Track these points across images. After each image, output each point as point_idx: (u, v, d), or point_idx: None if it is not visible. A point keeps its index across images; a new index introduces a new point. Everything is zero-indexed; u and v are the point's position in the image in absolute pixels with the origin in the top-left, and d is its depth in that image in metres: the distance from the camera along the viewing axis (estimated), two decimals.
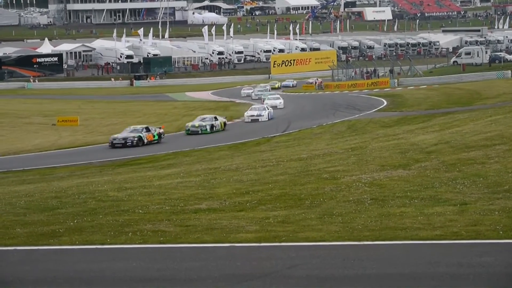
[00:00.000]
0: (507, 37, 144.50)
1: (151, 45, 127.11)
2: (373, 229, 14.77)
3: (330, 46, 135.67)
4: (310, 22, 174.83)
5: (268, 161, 27.60)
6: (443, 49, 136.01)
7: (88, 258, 13.94)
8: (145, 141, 45.10)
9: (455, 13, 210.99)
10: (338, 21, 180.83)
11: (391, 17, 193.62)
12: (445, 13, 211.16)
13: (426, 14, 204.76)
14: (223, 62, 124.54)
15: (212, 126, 50.22)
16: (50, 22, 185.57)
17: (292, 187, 20.25)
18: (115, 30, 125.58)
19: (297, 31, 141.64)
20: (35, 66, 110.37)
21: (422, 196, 17.73)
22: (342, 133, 42.16)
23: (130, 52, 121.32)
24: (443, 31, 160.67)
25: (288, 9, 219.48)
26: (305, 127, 48.54)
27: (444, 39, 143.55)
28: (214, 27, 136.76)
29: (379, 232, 14.53)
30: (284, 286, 11.73)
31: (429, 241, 13.77)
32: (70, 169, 34.34)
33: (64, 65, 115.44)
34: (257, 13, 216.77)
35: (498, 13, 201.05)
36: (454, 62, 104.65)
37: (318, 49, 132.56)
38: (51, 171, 33.62)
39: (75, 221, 17.02)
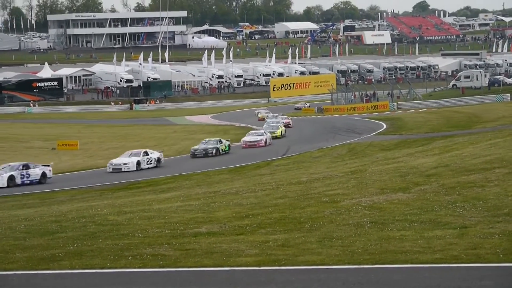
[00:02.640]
0: (506, 60, 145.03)
1: (151, 69, 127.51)
2: (373, 253, 14.75)
3: (330, 70, 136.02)
4: (309, 46, 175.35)
5: (268, 185, 27.60)
6: (442, 73, 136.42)
7: (88, 283, 13.92)
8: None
9: (454, 36, 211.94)
10: (337, 45, 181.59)
11: (390, 41, 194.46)
12: (444, 36, 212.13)
13: (425, 38, 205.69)
14: (222, 86, 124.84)
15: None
16: (50, 46, 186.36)
17: (292, 211, 20.23)
18: (114, 55, 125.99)
19: (296, 54, 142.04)
20: (35, 90, 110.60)
21: (422, 219, 17.71)
22: (342, 157, 42.20)
23: (130, 76, 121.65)
24: (442, 54, 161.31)
25: (287, 33, 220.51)
26: (305, 150, 48.60)
27: (443, 63, 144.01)
28: (213, 51, 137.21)
29: (379, 255, 14.52)
30: None
31: (429, 264, 13.75)
32: (70, 193, 34.36)
33: (64, 89, 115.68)
34: (256, 37, 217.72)
35: (497, 36, 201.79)
36: (453, 85, 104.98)
37: (317, 73, 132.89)
38: (51, 195, 33.63)
39: (75, 245, 16.99)
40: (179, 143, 56.07)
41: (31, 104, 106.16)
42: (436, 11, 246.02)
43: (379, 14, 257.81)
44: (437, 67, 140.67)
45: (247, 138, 56.86)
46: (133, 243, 16.96)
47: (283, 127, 63.79)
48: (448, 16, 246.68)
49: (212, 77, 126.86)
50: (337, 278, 13.37)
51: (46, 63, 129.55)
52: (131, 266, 14.78)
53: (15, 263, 15.34)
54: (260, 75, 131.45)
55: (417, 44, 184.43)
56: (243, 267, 14.29)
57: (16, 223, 20.95)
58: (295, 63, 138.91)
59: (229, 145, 52.26)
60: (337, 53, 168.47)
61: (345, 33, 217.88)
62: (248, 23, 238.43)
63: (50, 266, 15.05)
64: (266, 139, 56.29)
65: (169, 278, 13.99)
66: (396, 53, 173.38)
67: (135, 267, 14.70)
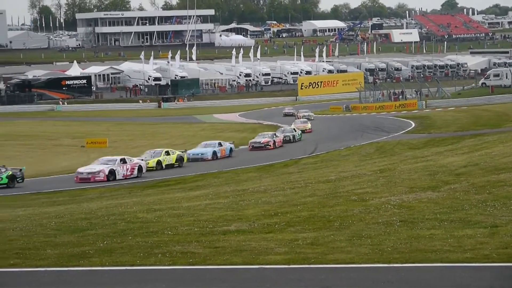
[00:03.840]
0: None
1: (179, 67, 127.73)
2: (403, 251, 14.70)
3: (357, 68, 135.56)
4: (337, 44, 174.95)
5: (296, 183, 27.58)
6: (471, 71, 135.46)
7: (117, 279, 13.98)
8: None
9: (483, 34, 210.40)
10: (365, 43, 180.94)
11: (418, 39, 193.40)
12: (473, 34, 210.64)
13: (453, 36, 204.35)
14: (250, 84, 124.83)
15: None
16: (79, 45, 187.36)
17: (320, 209, 20.21)
18: (143, 53, 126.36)
19: (324, 53, 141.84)
20: (64, 88, 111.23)
21: (452, 218, 17.63)
22: (370, 155, 42.06)
23: (158, 75, 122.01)
24: (471, 53, 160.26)
25: (315, 31, 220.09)
26: (333, 149, 48.49)
27: (472, 61, 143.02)
28: (241, 49, 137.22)
29: (409, 254, 14.46)
30: None
31: (460, 263, 13.68)
32: (100, 190, 34.55)
33: (92, 87, 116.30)
34: (284, 35, 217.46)
35: None
36: (482, 84, 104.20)
37: (345, 71, 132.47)
38: (81, 193, 33.83)
39: (105, 242, 17.08)
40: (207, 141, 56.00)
41: (60, 102, 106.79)
42: (465, 9, 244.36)
43: (407, 12, 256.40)
44: (466, 65, 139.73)
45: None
46: (162, 240, 17.01)
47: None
48: (477, 14, 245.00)
49: (240, 75, 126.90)
50: (366, 276, 13.34)
51: (75, 61, 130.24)
52: (160, 263, 14.83)
53: (46, 260, 15.45)
54: (288, 73, 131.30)
55: (445, 42, 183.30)
56: (272, 265, 14.29)
57: (46, 220, 21.10)
58: (323, 61, 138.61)
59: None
60: (365, 51, 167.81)
61: (373, 31, 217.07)
62: (275, 21, 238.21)
63: (81, 263, 15.13)
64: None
65: (198, 275, 14.02)
66: (424, 52, 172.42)
67: (164, 264, 14.75)
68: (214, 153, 48.68)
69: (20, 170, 39.47)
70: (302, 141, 56.31)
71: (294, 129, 58.34)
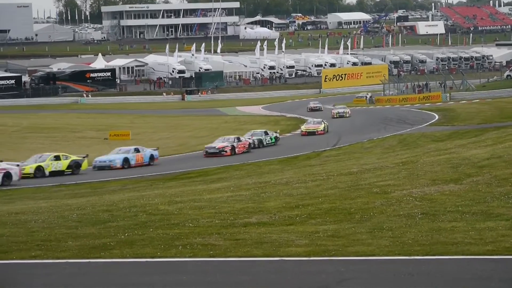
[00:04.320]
0: None
1: (203, 60, 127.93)
2: (424, 244, 14.62)
3: (382, 61, 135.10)
4: (362, 36, 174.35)
5: (318, 175, 27.52)
6: (497, 63, 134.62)
7: (138, 271, 14.00)
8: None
9: (509, 26, 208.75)
10: (390, 36, 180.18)
11: (443, 31, 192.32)
12: (499, 26, 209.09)
13: (479, 28, 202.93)
14: (274, 77, 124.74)
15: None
16: (104, 37, 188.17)
17: (342, 201, 20.15)
18: (167, 45, 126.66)
19: (349, 45, 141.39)
20: (88, 81, 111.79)
21: (474, 211, 17.52)
22: (393, 148, 41.93)
23: (182, 67, 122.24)
24: (497, 45, 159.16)
25: (340, 23, 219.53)
26: (356, 141, 48.39)
27: (498, 53, 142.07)
28: (265, 41, 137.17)
29: (430, 246, 14.39)
30: None
31: (481, 256, 13.59)
32: (122, 182, 34.67)
33: (117, 80, 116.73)
34: (309, 27, 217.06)
35: None
36: (507, 76, 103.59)
37: (369, 64, 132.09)
38: (102, 185, 33.98)
39: (126, 234, 17.11)
40: (230, 134, 56.09)
41: (84, 95, 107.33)
42: (491, 1, 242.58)
43: (432, 4, 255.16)
44: (491, 57, 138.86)
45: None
46: (183, 232, 17.03)
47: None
48: (504, 6, 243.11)
49: (264, 67, 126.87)
50: (387, 269, 13.29)
51: (100, 54, 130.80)
52: (181, 255, 14.84)
53: (68, 252, 15.50)
54: (312, 65, 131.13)
55: (471, 34, 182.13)
56: (293, 257, 14.26)
57: (68, 212, 21.18)
58: (347, 53, 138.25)
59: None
60: (390, 44, 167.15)
61: (398, 23, 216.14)
62: (300, 14, 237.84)
63: (102, 254, 15.17)
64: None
65: (219, 267, 14.02)
66: (449, 44, 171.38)
67: (185, 256, 14.75)
68: (126, 160, 43.39)
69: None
70: (323, 136, 55.73)
71: (266, 131, 53.00)
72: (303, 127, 58.79)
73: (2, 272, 14.31)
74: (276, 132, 53.18)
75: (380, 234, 15.80)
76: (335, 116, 70.11)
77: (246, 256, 14.56)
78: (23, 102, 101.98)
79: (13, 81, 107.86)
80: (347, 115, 71.32)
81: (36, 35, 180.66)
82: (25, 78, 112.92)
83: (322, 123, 58.49)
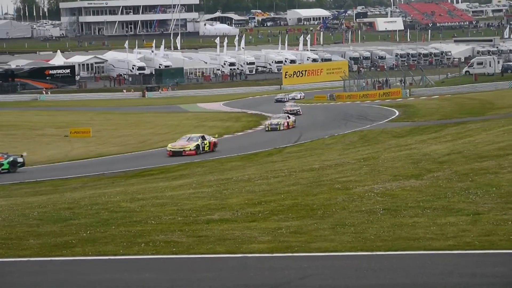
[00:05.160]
0: None
1: (163, 57, 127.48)
2: (386, 239, 14.74)
3: (342, 57, 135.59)
4: (322, 32, 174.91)
5: (280, 172, 27.59)
6: (455, 59, 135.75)
7: (101, 269, 13.98)
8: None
9: (467, 23, 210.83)
10: (350, 32, 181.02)
11: (402, 28, 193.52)
12: (457, 23, 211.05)
13: (438, 24, 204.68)
14: (234, 73, 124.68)
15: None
16: (63, 34, 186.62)
17: (304, 198, 20.23)
18: (127, 42, 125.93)
19: (308, 41, 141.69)
20: (47, 78, 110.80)
21: (435, 206, 17.69)
22: (354, 144, 42.15)
23: (142, 64, 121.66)
24: (455, 41, 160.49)
25: (299, 20, 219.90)
26: (317, 137, 48.54)
27: (456, 49, 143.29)
28: (226, 38, 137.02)
29: (392, 242, 14.51)
30: None
31: (442, 251, 13.73)
32: (83, 180, 34.47)
33: (76, 77, 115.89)
34: (268, 24, 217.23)
35: (511, 22, 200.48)
36: (466, 72, 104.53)
37: (329, 60, 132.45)
38: (64, 182, 33.75)
39: (88, 232, 17.04)
40: (191, 130, 55.98)
41: (44, 92, 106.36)
42: None
43: (391, 0, 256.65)
44: (450, 53, 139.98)
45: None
46: (146, 230, 17.00)
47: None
48: (461, 2, 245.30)
49: (224, 64, 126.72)
50: (350, 264, 13.38)
51: (59, 51, 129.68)
52: (144, 252, 14.82)
53: (29, 250, 15.41)
54: (272, 62, 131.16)
55: (429, 30, 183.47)
56: (256, 253, 14.31)
57: (29, 210, 21.02)
58: (307, 50, 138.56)
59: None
60: (349, 40, 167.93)
61: (357, 20, 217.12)
62: (260, 10, 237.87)
63: (64, 252, 15.10)
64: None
65: (182, 264, 14.03)
66: (408, 40, 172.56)
67: (148, 253, 14.74)
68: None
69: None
70: (285, 132, 55.45)
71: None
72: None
73: None
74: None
75: (342, 230, 15.89)
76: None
77: (209, 253, 14.59)
78: None
79: None
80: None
81: None
82: None
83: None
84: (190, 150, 44.49)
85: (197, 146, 44.78)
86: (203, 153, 44.54)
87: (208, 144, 45.92)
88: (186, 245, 15.27)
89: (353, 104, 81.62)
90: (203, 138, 46.22)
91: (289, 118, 58.83)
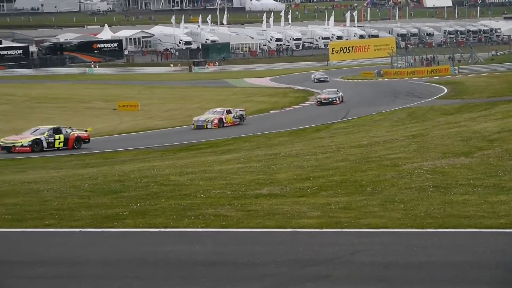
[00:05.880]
0: None
1: (210, 32, 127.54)
2: (436, 217, 14.66)
3: (389, 33, 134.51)
4: (369, 8, 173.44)
5: (328, 148, 27.55)
6: (505, 36, 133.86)
7: (152, 241, 14.09)
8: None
9: None
10: (397, 8, 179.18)
11: (451, 4, 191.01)
12: None
13: (487, 1, 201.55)
14: (281, 49, 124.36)
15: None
16: (110, 8, 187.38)
17: (353, 174, 20.19)
18: (173, 17, 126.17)
19: (355, 17, 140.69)
20: (95, 52, 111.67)
21: (486, 184, 17.54)
22: (402, 120, 41.89)
23: (189, 39, 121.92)
24: (505, 18, 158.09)
25: None
26: (365, 114, 48.32)
27: (506, 26, 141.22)
28: (272, 13, 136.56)
29: (442, 219, 14.43)
30: (347, 272, 11.71)
31: (494, 229, 13.63)
32: (132, 153, 34.71)
33: (124, 51, 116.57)
34: None
35: None
36: None
37: (376, 36, 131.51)
38: (113, 155, 34.03)
39: (138, 204, 17.18)
40: (239, 105, 56.10)
41: (92, 65, 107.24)
42: None
43: None
44: (499, 30, 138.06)
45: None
46: (195, 203, 17.09)
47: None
48: None
49: (271, 40, 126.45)
50: (400, 241, 13.34)
51: (106, 25, 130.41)
52: (194, 226, 14.90)
53: (81, 221, 15.58)
54: (319, 38, 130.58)
55: (478, 7, 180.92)
56: (305, 228, 14.32)
57: (80, 182, 21.24)
58: (354, 26, 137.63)
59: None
60: (396, 17, 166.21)
61: None
62: None
63: (115, 224, 15.24)
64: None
65: (231, 238, 14.09)
66: (457, 17, 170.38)
67: (198, 227, 14.81)
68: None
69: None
70: (332, 108, 55.58)
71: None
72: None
73: (17, 240, 14.42)
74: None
75: (392, 206, 15.84)
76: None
77: (258, 227, 14.61)
78: (30, 72, 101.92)
79: (20, 51, 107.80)
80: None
81: (42, 5, 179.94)
82: (32, 48, 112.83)
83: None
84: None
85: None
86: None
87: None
88: (236, 219, 15.34)
89: (400, 81, 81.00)
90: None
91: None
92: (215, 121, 46.55)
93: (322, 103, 57.77)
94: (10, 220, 15.77)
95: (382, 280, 11.26)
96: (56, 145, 38.20)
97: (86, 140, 39.65)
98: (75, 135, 39.34)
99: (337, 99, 58.21)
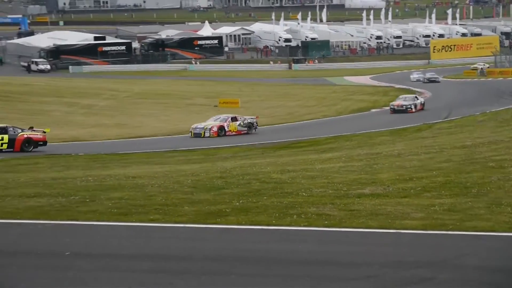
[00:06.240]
0: None
1: (309, 29, 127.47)
2: None
3: (492, 32, 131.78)
4: (471, 6, 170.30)
5: (431, 148, 27.16)
6: None
7: (254, 238, 14.11)
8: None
9: None
10: (501, 6, 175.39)
11: None
12: None
13: None
14: (381, 47, 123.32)
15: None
16: (210, 5, 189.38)
17: (457, 175, 19.82)
18: (273, 14, 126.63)
19: (457, 15, 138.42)
20: (196, 48, 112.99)
21: None
22: (508, 121, 40.96)
23: (289, 36, 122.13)
24: None
25: None
26: (468, 114, 47.47)
27: None
28: (372, 11, 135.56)
29: None
30: (453, 276, 11.51)
31: None
32: (233, 150, 34.96)
33: (224, 47, 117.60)
34: None
35: None
36: None
37: (479, 35, 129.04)
38: (215, 152, 34.36)
39: (241, 201, 17.24)
40: (339, 104, 55.96)
41: (193, 62, 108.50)
42: None
43: None
44: None
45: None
46: (297, 201, 17.05)
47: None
48: None
49: (371, 37, 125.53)
50: (508, 246, 13.03)
51: (207, 22, 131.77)
52: (296, 224, 14.86)
53: (184, 216, 15.73)
54: (420, 36, 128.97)
55: None
56: (409, 230, 14.13)
57: (183, 178, 21.48)
58: (456, 24, 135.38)
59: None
60: (500, 14, 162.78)
61: None
62: None
63: (218, 220, 15.33)
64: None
65: (334, 237, 14.01)
66: None
67: (300, 225, 14.77)
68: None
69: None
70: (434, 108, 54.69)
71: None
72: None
73: (121, 233, 14.67)
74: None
75: (498, 209, 15.48)
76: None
77: (361, 227, 14.47)
78: (133, 68, 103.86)
79: (123, 47, 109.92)
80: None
81: (144, 1, 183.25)
82: (135, 45, 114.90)
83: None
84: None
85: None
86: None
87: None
88: (338, 218, 15.24)
89: (505, 80, 79.23)
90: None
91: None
92: (213, 129, 43.67)
93: (395, 110, 53.28)
94: (116, 214, 16.07)
95: (490, 285, 11.02)
96: None
97: (40, 142, 36.55)
98: (25, 136, 36.14)
99: (412, 107, 53.51)
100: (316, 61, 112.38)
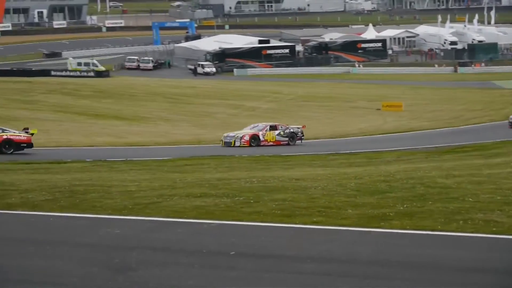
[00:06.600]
0: None
1: (476, 31, 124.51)
2: None
3: None
4: None
5: None
6: None
7: (418, 244, 13.87)
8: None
9: None
10: None
11: None
12: None
13: None
14: None
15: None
16: (374, 8, 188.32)
17: None
18: (439, 16, 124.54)
19: None
20: (359, 51, 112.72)
21: None
22: None
23: (454, 38, 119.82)
24: None
25: None
26: None
27: None
28: None
29: None
30: None
31: None
32: (396, 153, 34.62)
33: (388, 50, 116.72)
34: None
35: None
36: None
37: None
38: (377, 155, 34.11)
39: (405, 205, 17.00)
40: (508, 107, 54.25)
41: (356, 65, 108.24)
42: None
43: None
44: None
45: None
46: (463, 207, 16.65)
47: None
48: None
49: None
50: None
51: (370, 25, 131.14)
52: (462, 230, 14.52)
53: (348, 219, 15.67)
54: None
55: None
56: None
57: (346, 181, 21.43)
58: None
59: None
60: None
61: None
62: None
63: (381, 224, 15.17)
64: None
65: (502, 244, 13.58)
66: None
67: (466, 231, 14.41)
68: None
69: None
70: None
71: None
72: None
73: (285, 234, 14.75)
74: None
75: None
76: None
77: None
78: (296, 71, 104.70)
79: (287, 51, 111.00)
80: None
81: (308, 5, 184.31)
82: (299, 48, 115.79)
83: None
84: None
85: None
86: None
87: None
88: (507, 225, 14.75)
89: None
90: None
91: None
92: (245, 138, 40.96)
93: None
94: (280, 215, 16.19)
95: None
96: None
97: (24, 144, 34.74)
98: (4, 137, 34.30)
99: None
100: (483, 64, 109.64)
